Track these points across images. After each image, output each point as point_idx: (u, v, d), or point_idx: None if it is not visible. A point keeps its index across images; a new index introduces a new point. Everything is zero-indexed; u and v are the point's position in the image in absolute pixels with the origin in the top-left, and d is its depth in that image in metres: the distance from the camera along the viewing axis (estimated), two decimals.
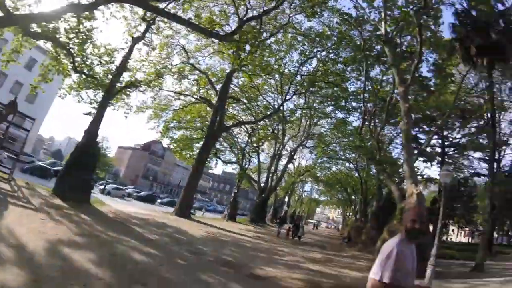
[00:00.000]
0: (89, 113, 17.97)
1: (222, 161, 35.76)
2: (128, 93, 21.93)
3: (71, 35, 16.46)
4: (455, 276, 13.86)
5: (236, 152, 36.57)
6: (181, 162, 64.94)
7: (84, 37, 17.34)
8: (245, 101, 31.97)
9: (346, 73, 27.06)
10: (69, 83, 19.63)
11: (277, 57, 27.37)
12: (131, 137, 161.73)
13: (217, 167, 65.30)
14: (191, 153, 30.94)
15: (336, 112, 33.32)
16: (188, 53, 25.34)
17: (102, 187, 34.02)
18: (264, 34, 22.16)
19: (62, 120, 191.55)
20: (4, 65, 16.49)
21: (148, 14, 17.42)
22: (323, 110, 33.96)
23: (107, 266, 6.39)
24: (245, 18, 19.81)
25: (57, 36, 15.69)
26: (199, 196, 78.88)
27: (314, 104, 33.35)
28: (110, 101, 18.05)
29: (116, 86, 17.99)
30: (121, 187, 40.29)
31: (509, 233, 53.15)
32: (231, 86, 29.26)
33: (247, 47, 19.34)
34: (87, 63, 18.78)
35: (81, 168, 14.91)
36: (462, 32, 19.48)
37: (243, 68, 23.09)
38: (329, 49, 25.88)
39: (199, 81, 27.79)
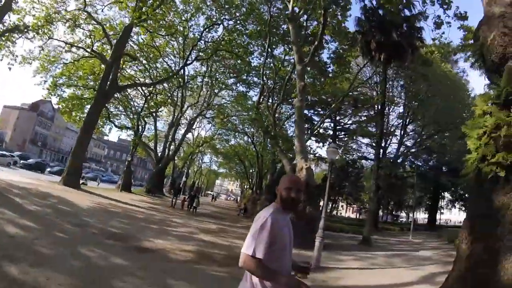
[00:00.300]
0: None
1: (115, 125, 32.86)
2: (13, 39, 19.03)
3: None
4: (345, 248, 15.13)
5: (131, 117, 34.01)
6: (72, 126, 58.70)
7: None
8: (144, 61, 29.75)
9: (250, 47, 26.92)
10: None
11: (183, 18, 25.93)
12: (19, 94, 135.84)
13: (112, 133, 60.30)
14: (82, 115, 27.40)
15: (238, 85, 33.28)
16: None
17: None
18: None
19: None
20: None
21: None
22: (224, 81, 33.55)
23: None
24: None
25: None
26: (93, 165, 72.84)
27: (217, 75, 32.78)
28: None
29: None
30: (7, 153, 35.10)
31: (393, 212, 61.84)
32: (131, 43, 27.14)
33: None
34: None
35: None
36: (366, 26, 21.02)
37: (143, 23, 21.35)
38: (236, 19, 25.25)
39: (94, 33, 24.80)
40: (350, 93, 29.57)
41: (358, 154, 44.07)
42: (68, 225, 9.31)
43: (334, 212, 58.19)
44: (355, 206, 63.49)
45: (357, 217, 60.59)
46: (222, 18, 25.46)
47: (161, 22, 23.57)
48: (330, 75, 25.34)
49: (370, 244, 17.12)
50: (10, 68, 22.18)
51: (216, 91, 36.28)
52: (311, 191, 13.95)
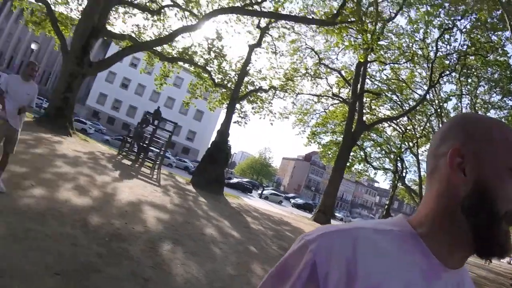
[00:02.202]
0: (237, 122, 21.66)
1: (373, 167, 32.55)
2: (269, 100, 23.51)
3: (206, 56, 19.98)
4: None
5: (392, 156, 32.68)
6: (345, 175, 63.37)
7: (218, 55, 20.03)
8: (394, 97, 28.75)
9: (501, 41, 19.84)
10: (215, 97, 23.10)
11: (416, 39, 22.79)
12: (295, 149, 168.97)
13: (382, 179, 60.30)
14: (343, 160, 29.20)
15: (505, 99, 24.60)
16: (320, 54, 24.93)
17: (260, 191, 36.11)
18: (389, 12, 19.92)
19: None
20: (158, 87, 20.97)
21: (262, 21, 18.72)
22: (487, 99, 26.21)
23: None
24: None
25: (194, 58, 19.57)
26: (364, 212, 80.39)
27: (477, 91, 25.91)
28: (236, 103, 19.42)
29: (240, 92, 19.49)
30: (279, 193, 41.86)
31: None
32: (376, 82, 27.76)
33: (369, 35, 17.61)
34: (227, 78, 21.56)
35: (213, 163, 16.48)
36: None
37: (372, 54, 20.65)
38: (465, 13, 19.65)
39: (337, 81, 26.97)
40: None
41: None
42: (272, 245, 9.15)
43: None
44: None
45: None
46: (453, 19, 20.17)
47: (395, 51, 22.54)
48: None
49: None
50: (271, 123, 26.89)
51: (481, 112, 28.88)
52: None
